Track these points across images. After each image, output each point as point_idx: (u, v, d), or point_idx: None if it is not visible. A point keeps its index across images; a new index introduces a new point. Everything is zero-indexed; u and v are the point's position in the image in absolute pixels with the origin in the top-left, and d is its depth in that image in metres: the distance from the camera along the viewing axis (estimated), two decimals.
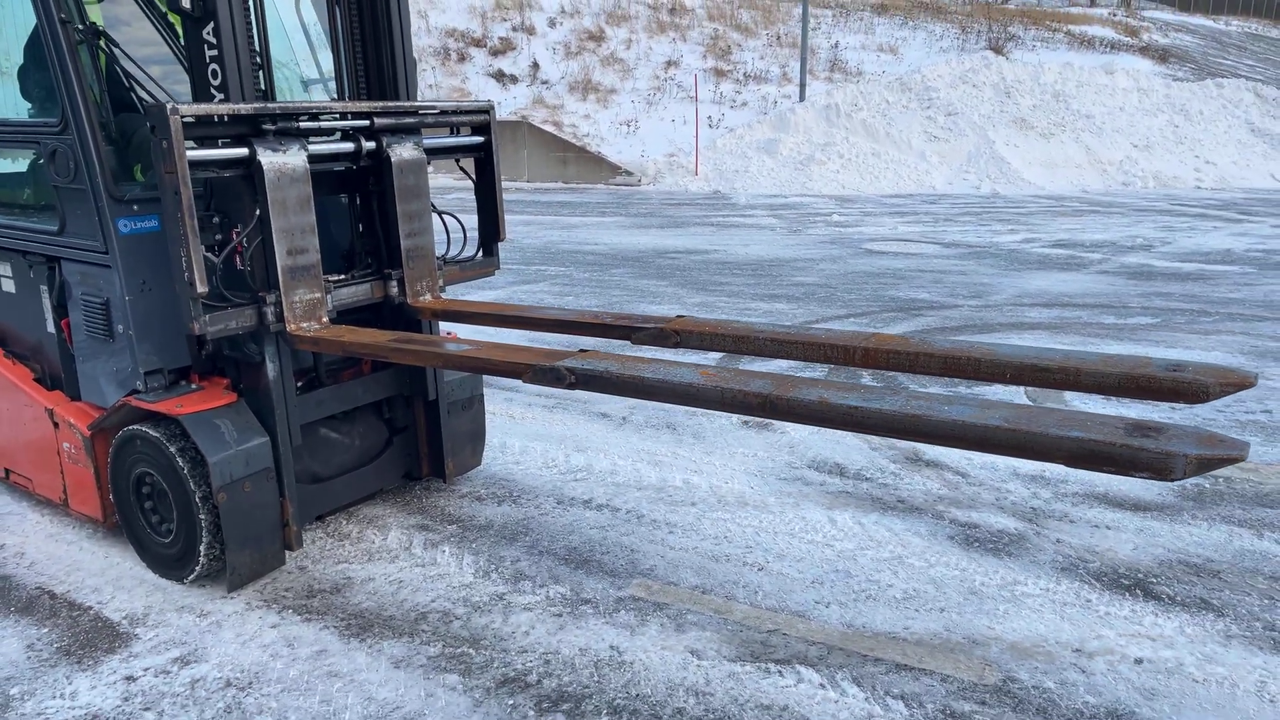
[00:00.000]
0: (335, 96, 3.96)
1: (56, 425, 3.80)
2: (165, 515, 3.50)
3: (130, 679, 2.94)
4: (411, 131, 3.74)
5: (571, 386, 2.70)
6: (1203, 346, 6.66)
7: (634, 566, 3.62)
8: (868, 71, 24.29)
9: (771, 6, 28.61)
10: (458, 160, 4.10)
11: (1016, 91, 22.65)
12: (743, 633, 3.16)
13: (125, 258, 3.35)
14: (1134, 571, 3.52)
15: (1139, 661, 2.96)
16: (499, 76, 24.45)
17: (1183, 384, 2.26)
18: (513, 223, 14.35)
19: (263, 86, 3.52)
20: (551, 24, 26.36)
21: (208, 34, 3.15)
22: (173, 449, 3.32)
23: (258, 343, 3.39)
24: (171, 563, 3.52)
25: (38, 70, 3.41)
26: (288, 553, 3.63)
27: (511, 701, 2.81)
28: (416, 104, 3.74)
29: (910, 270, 10.14)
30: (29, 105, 3.64)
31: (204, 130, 3.09)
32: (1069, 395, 5.34)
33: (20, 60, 3.64)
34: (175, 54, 4.09)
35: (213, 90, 3.21)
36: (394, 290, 3.75)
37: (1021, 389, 5.51)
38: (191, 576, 3.46)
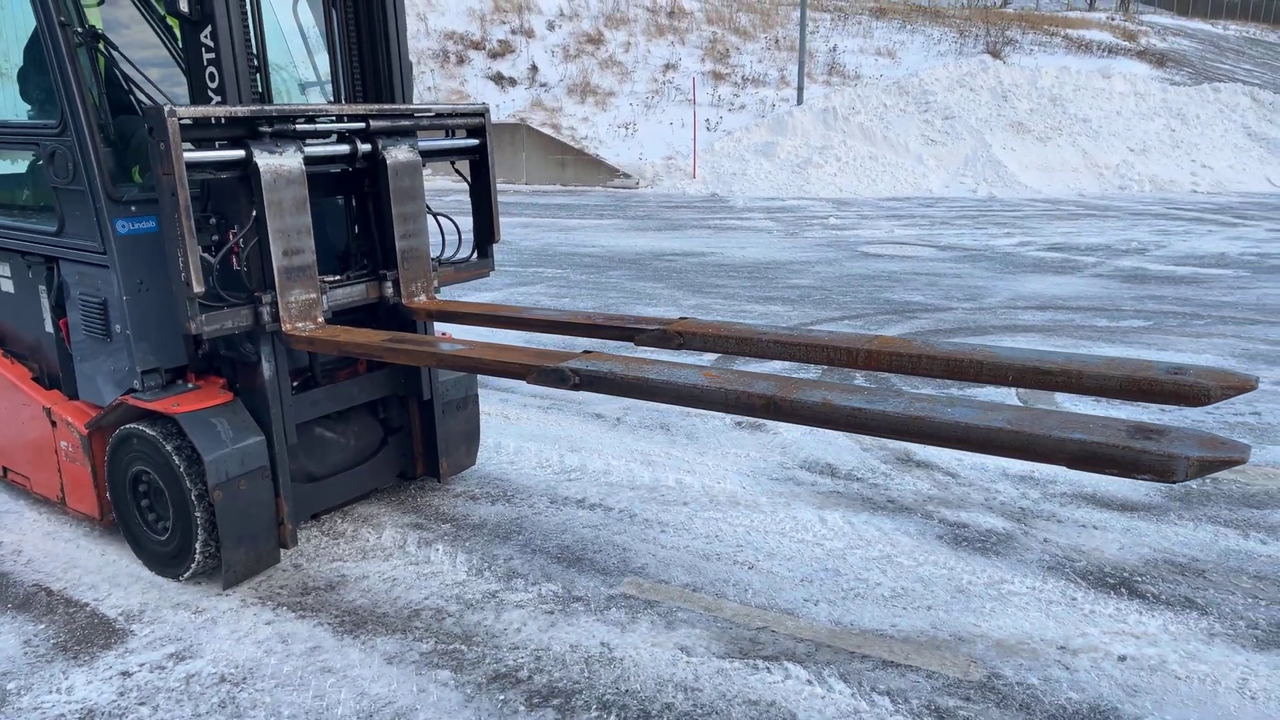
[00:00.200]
0: (332, 99, 3.99)
1: (54, 424, 3.84)
2: (161, 513, 3.53)
3: (126, 674, 2.98)
4: (407, 134, 3.77)
5: (576, 388, 2.72)
6: (1194, 349, 6.70)
7: (626, 565, 3.65)
8: (865, 75, 24.35)
9: (770, 10, 28.68)
10: (453, 162, 4.14)
11: (1013, 95, 22.72)
12: (732, 630, 3.19)
13: (123, 258, 3.38)
14: (1120, 570, 3.56)
15: (1122, 659, 3.00)
16: (498, 79, 24.50)
17: (1184, 387, 2.29)
18: (511, 225, 14.39)
19: (260, 89, 3.55)
20: (550, 27, 26.43)
21: (205, 37, 3.19)
22: (169, 447, 3.36)
23: (254, 342, 3.42)
24: (168, 560, 3.56)
25: (37, 73, 3.45)
26: (283, 550, 3.66)
27: (503, 697, 2.84)
28: (412, 107, 3.78)
29: (905, 273, 10.18)
30: (29, 107, 3.68)
31: (201, 132, 3.13)
32: (1059, 396, 5.38)
33: (20, 63, 3.68)
34: (174, 57, 4.13)
35: (210, 93, 3.25)
36: (389, 291, 3.79)
37: (1011, 391, 5.56)
38: (187, 574, 3.49)
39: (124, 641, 3.17)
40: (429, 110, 3.84)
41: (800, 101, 22.09)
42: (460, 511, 4.16)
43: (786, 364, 6.21)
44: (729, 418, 5.30)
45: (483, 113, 4.02)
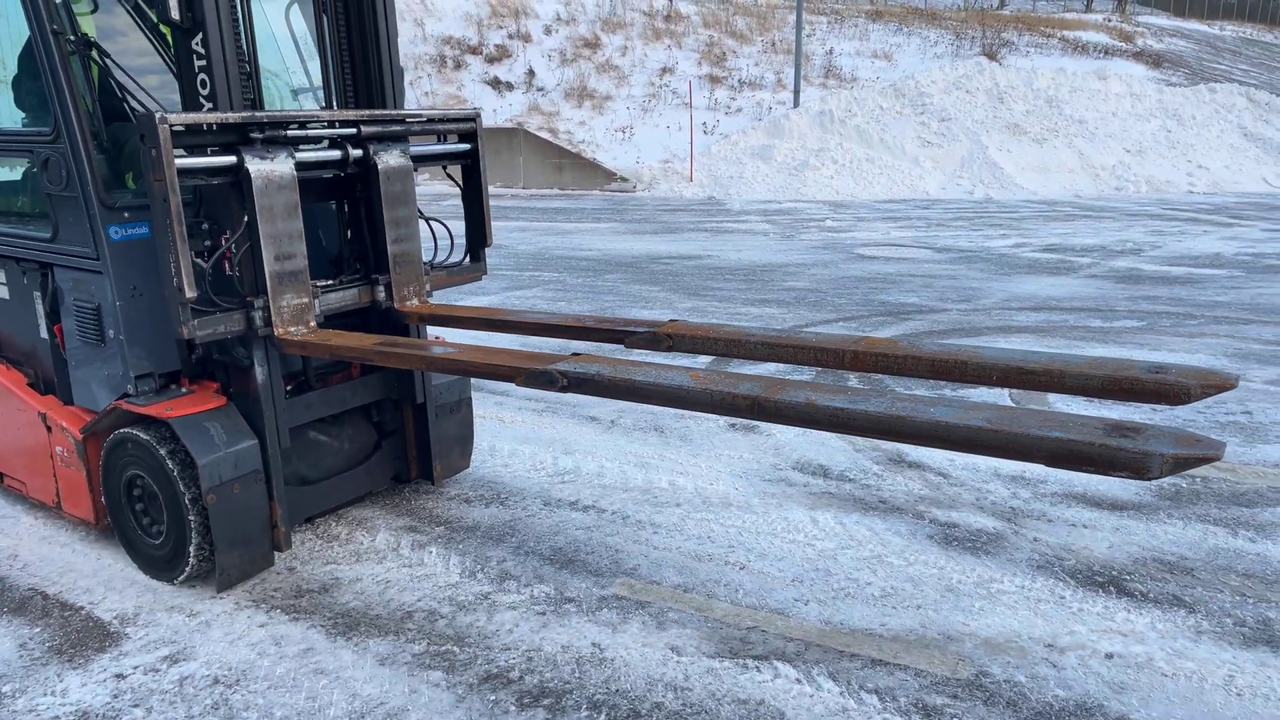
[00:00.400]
0: (324, 105, 4.02)
1: (49, 429, 3.86)
2: (156, 517, 3.55)
3: (120, 677, 3.00)
4: (398, 139, 3.80)
5: (564, 390, 2.75)
6: (1186, 349, 6.73)
7: (618, 566, 3.67)
8: (862, 77, 24.40)
9: (766, 13, 28.74)
10: (445, 167, 4.17)
11: (1010, 97, 22.77)
12: (722, 630, 3.21)
13: (116, 264, 3.41)
14: (1109, 569, 3.58)
15: (1110, 656, 3.02)
16: (495, 84, 24.55)
17: (1165, 386, 2.31)
18: (508, 229, 14.43)
19: (251, 95, 3.58)
20: (547, 31, 26.48)
21: (196, 44, 3.22)
22: (163, 451, 3.38)
23: (246, 347, 3.45)
24: (162, 564, 3.58)
25: (31, 80, 3.47)
26: (276, 554, 3.68)
27: (494, 697, 2.86)
28: (403, 112, 3.81)
29: (901, 275, 10.21)
30: (23, 114, 3.71)
31: (193, 139, 3.16)
32: (1051, 397, 5.41)
33: (15, 71, 3.71)
34: (167, 64, 4.16)
35: (202, 99, 3.27)
36: (381, 295, 3.82)
37: (1004, 392, 5.58)
38: (181, 577, 3.51)
39: (118, 644, 3.19)
40: (420, 115, 3.87)
41: (797, 104, 22.13)
42: (454, 514, 4.18)
43: (781, 366, 6.24)
44: (723, 420, 5.32)
45: (474, 118, 4.05)
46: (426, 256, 4.02)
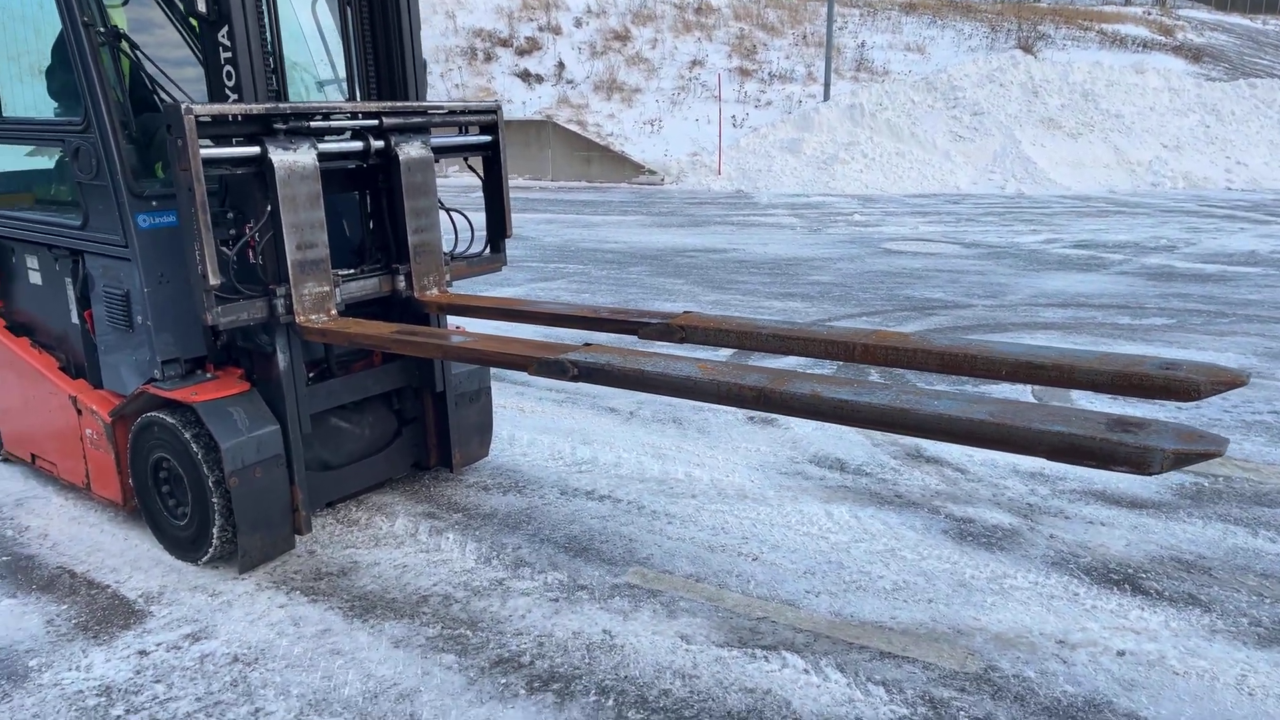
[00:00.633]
0: (348, 98, 4.08)
1: (80, 412, 3.96)
2: (181, 499, 3.64)
3: (143, 653, 3.08)
4: (420, 131, 3.85)
5: (575, 379, 2.79)
6: (1216, 347, 6.63)
7: (631, 555, 3.71)
8: (894, 71, 24.19)
9: (798, 6, 28.56)
10: (465, 159, 4.21)
11: (1044, 91, 22.45)
12: (733, 619, 3.24)
13: (144, 251, 3.49)
14: (1124, 567, 3.56)
15: (1121, 654, 3.01)
16: (525, 76, 24.63)
17: (1174, 382, 2.30)
18: (534, 221, 14.50)
19: (276, 87, 3.64)
20: (578, 24, 26.51)
21: (222, 37, 3.28)
22: (188, 435, 3.46)
23: (269, 334, 3.52)
24: (186, 545, 3.66)
25: (63, 71, 3.56)
26: (297, 537, 3.75)
27: (504, 680, 2.91)
28: (425, 104, 3.86)
29: (927, 270, 10.14)
30: (55, 104, 3.80)
31: (219, 129, 3.22)
32: (1074, 394, 5.36)
33: (48, 62, 3.80)
34: (197, 56, 4.23)
35: (228, 91, 3.34)
36: (401, 285, 3.87)
37: (1027, 389, 5.55)
38: (205, 558, 3.60)
39: (142, 622, 3.27)
40: (441, 108, 3.92)
41: (827, 98, 21.99)
42: (472, 501, 4.23)
43: (802, 360, 6.23)
44: (741, 413, 5.34)
45: (494, 110, 4.09)
46: (447, 247, 4.08)
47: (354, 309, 3.80)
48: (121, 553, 3.80)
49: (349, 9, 3.88)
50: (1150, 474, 1.78)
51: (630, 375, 2.52)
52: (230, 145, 3.26)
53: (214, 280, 3.16)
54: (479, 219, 4.13)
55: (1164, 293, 8.78)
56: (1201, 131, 21.81)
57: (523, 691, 2.86)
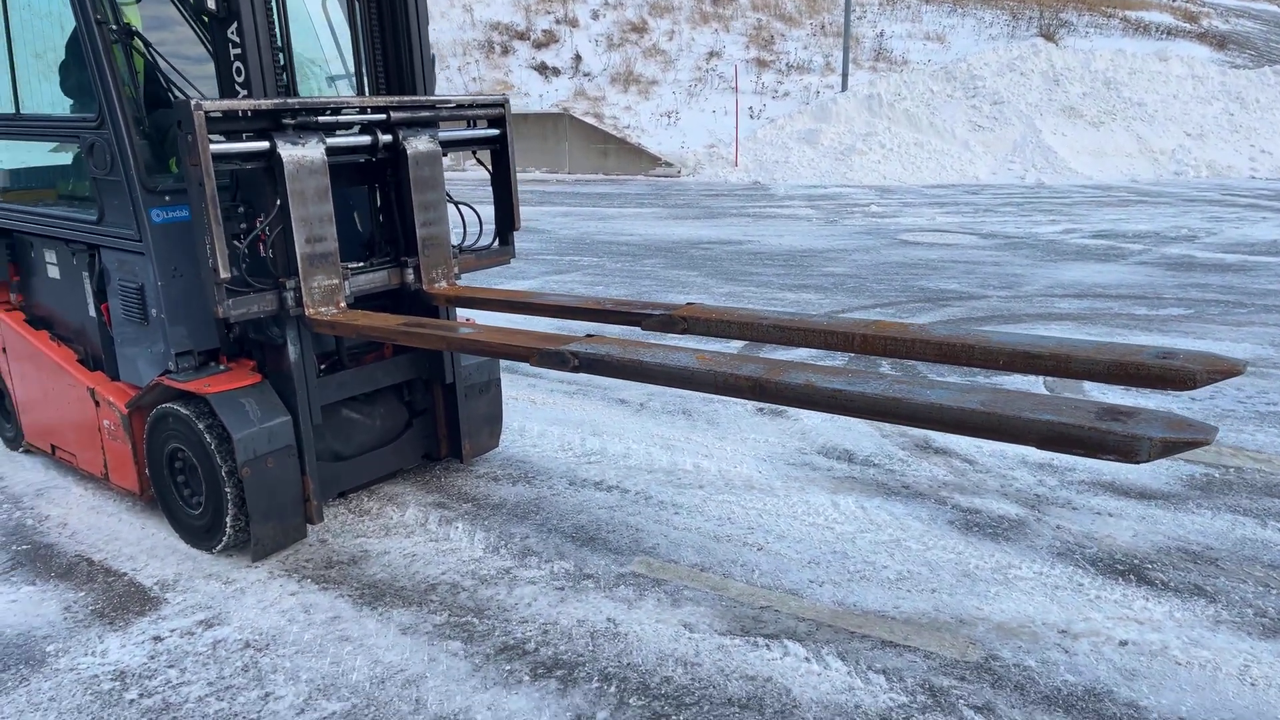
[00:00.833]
0: (357, 92, 4.12)
1: (98, 404, 4.04)
2: (195, 489, 3.71)
3: (157, 639, 3.15)
4: (428, 125, 3.89)
5: (576, 369, 2.83)
6: (1233, 338, 6.58)
7: (637, 545, 3.74)
8: (914, 60, 24.01)
9: None
10: (474, 152, 4.25)
11: (1066, 79, 22.22)
12: (736, 608, 3.27)
13: (158, 246, 3.55)
14: (1130, 557, 3.55)
15: (1124, 644, 3.01)
16: (541, 69, 24.65)
17: (1170, 371, 2.31)
18: (551, 214, 14.54)
19: (285, 83, 3.69)
20: (595, 16, 26.49)
21: (232, 33, 3.33)
22: (201, 426, 3.53)
23: (280, 326, 3.57)
24: (201, 533, 3.74)
25: (77, 68, 3.62)
26: (309, 526, 3.82)
27: (509, 667, 2.95)
28: (433, 98, 3.89)
29: (943, 261, 10.10)
30: (71, 101, 3.87)
31: (229, 125, 3.28)
32: (1088, 386, 5.34)
33: (63, 59, 3.87)
34: (209, 52, 4.29)
35: (237, 87, 3.39)
36: (410, 277, 3.92)
37: (1039, 380, 5.53)
38: (219, 546, 3.66)
39: (157, 609, 3.35)
40: (449, 101, 3.95)
41: (845, 88, 21.87)
42: (481, 492, 4.28)
43: (813, 352, 6.24)
44: (750, 405, 5.35)
45: (502, 103, 4.12)
46: (455, 240, 4.12)
47: (364, 302, 3.85)
48: (138, 541, 3.88)
49: (357, 3, 3.92)
50: (1138, 462, 1.79)
51: (629, 365, 2.55)
52: (240, 140, 3.31)
53: (224, 273, 3.22)
54: (489, 212, 4.16)
55: (1182, 283, 8.70)
56: (1226, 119, 21.52)
57: (526, 678, 2.90)
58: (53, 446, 4.52)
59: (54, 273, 4.25)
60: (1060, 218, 13.57)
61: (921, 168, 19.36)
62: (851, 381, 2.20)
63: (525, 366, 5.87)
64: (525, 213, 14.39)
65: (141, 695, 2.85)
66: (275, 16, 3.50)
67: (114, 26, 3.42)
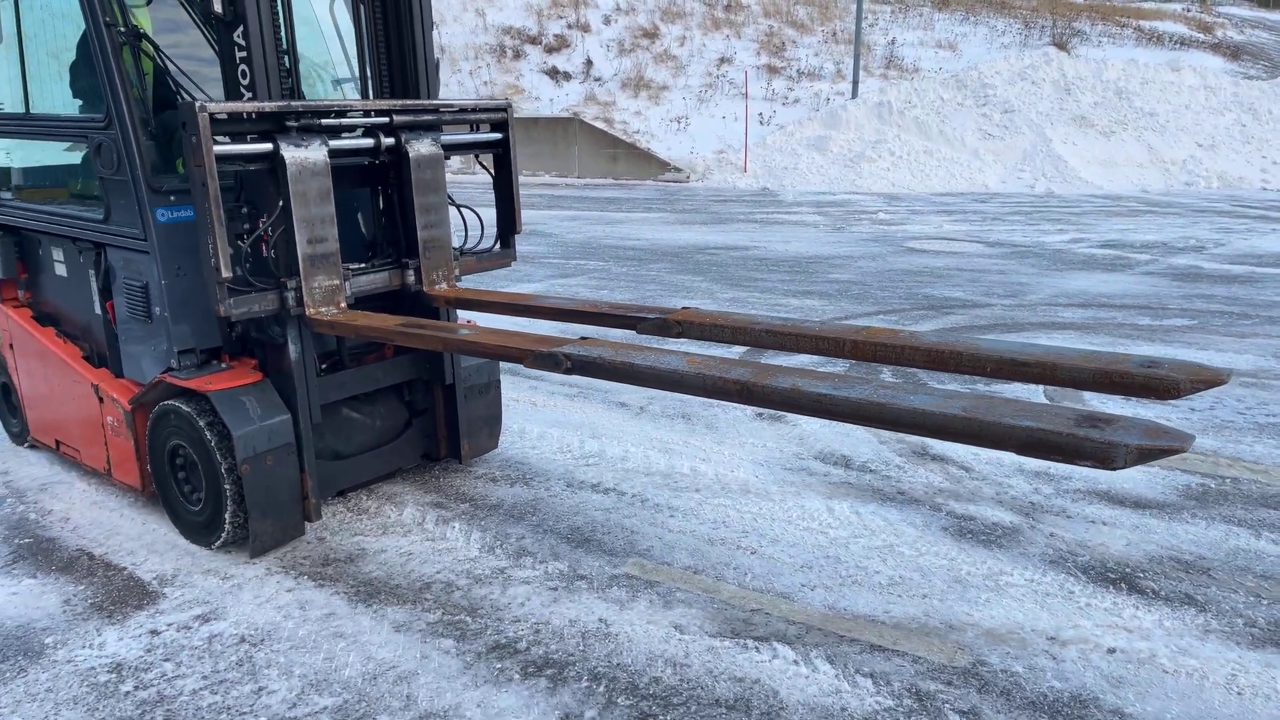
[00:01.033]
0: (362, 95, 4.17)
1: (101, 400, 4.09)
2: (196, 485, 3.75)
3: (154, 633, 3.19)
4: (430, 128, 3.94)
5: (568, 371, 2.86)
6: (1236, 349, 6.57)
7: (632, 546, 3.77)
8: (925, 68, 24.01)
9: (829, 3, 28.43)
10: (476, 156, 4.29)
11: (1077, 88, 22.18)
12: (727, 611, 3.29)
13: (162, 245, 3.60)
14: (1122, 566, 3.56)
15: (1112, 651, 3.02)
16: (553, 74, 24.75)
17: (1155, 380, 2.33)
18: (559, 218, 14.60)
19: (290, 86, 3.73)
20: (606, 21, 26.58)
21: (238, 37, 3.38)
22: (202, 423, 3.57)
23: (281, 325, 3.62)
24: (201, 529, 3.78)
25: (86, 70, 3.68)
26: (307, 524, 3.86)
27: (499, 665, 2.98)
28: (436, 102, 3.94)
29: (949, 269, 10.10)
30: (80, 101, 3.93)
31: (233, 127, 3.33)
32: (1088, 395, 5.34)
33: (73, 60, 3.93)
34: (217, 54, 4.35)
35: (243, 89, 3.44)
36: (411, 279, 3.96)
37: (1039, 389, 5.54)
38: (218, 542, 3.71)
39: (155, 603, 3.39)
40: (452, 105, 4.00)
41: (855, 95, 21.89)
42: (479, 492, 4.32)
43: (815, 358, 6.26)
44: (750, 409, 5.38)
45: (505, 108, 4.17)
46: (456, 242, 4.16)
47: (366, 302, 3.89)
48: (139, 536, 3.93)
49: (362, 8, 3.97)
50: (1115, 469, 1.81)
51: (620, 368, 2.58)
52: (245, 142, 3.36)
53: (226, 273, 3.27)
54: (491, 215, 4.20)
55: (1188, 294, 8.69)
56: (1238, 130, 21.44)
57: (517, 676, 2.93)
58: (57, 442, 4.58)
59: (61, 270, 4.30)
60: (1068, 227, 13.55)
61: (931, 175, 19.35)
62: (837, 386, 2.22)
63: (525, 368, 5.93)
64: (533, 216, 14.50)
65: (137, 688, 2.89)
66: (281, 20, 3.55)
67: (122, 29, 3.48)
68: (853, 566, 3.60)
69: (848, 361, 6.04)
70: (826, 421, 5.06)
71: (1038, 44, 25.16)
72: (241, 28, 3.35)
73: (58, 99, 4.03)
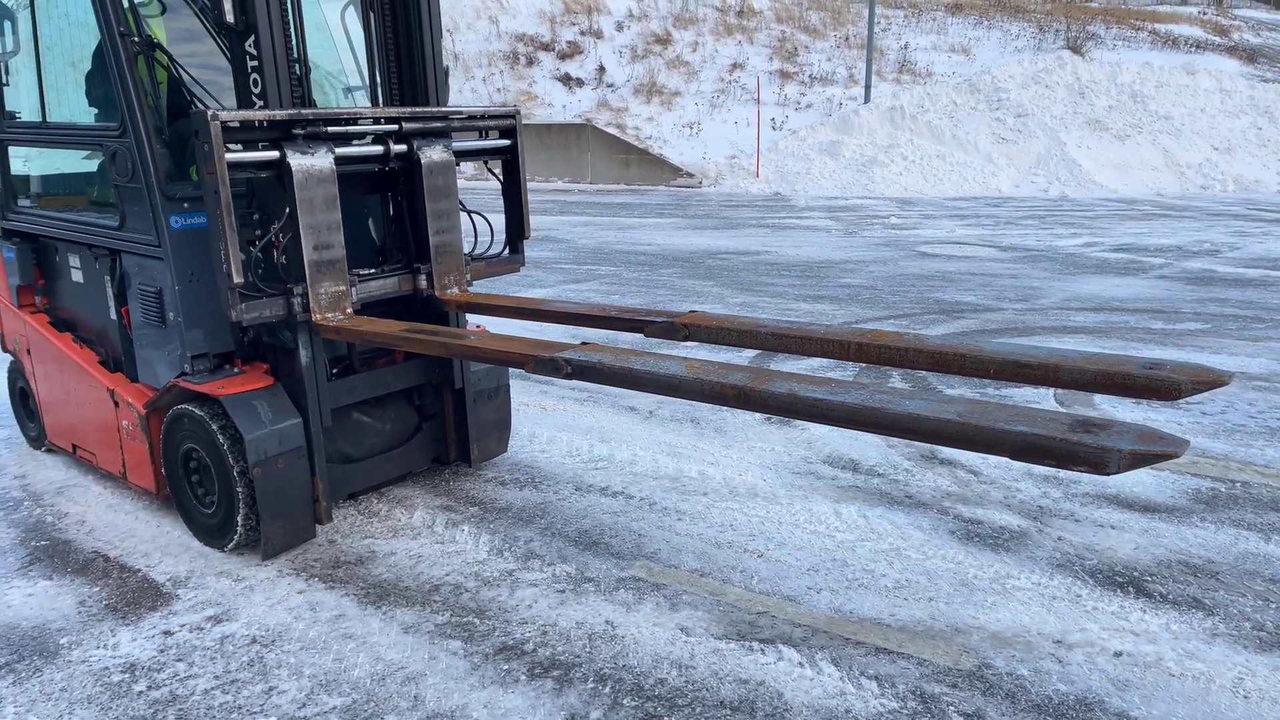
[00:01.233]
0: (372, 103, 4.22)
1: (117, 405, 4.15)
2: (209, 488, 3.80)
3: (168, 633, 3.24)
4: (440, 135, 3.98)
5: (569, 376, 2.89)
6: (1248, 353, 6.53)
7: (639, 549, 3.79)
8: (938, 72, 23.98)
9: (841, 8, 28.44)
10: (485, 162, 4.33)
11: (1091, 92, 22.09)
12: (733, 613, 3.30)
13: (176, 251, 3.66)
14: (1130, 570, 3.56)
15: (1118, 655, 3.02)
16: (565, 80, 24.85)
17: (1156, 381, 2.34)
18: (571, 223, 14.65)
19: (300, 94, 3.78)
20: (619, 28, 26.68)
21: (249, 46, 3.43)
22: (215, 427, 3.62)
23: (291, 330, 3.66)
24: (213, 532, 3.83)
25: (101, 79, 3.74)
26: (318, 526, 3.90)
27: (507, 666, 3.01)
28: (445, 109, 3.98)
29: (961, 273, 10.08)
30: (95, 110, 3.99)
31: (245, 134, 3.38)
32: (1097, 398, 5.33)
33: (88, 69, 3.99)
34: (230, 64, 4.41)
35: (254, 97, 3.49)
36: (422, 284, 4.00)
37: (1049, 393, 5.53)
38: (230, 545, 3.75)
39: (169, 604, 3.43)
40: (461, 112, 4.04)
41: (868, 100, 21.88)
42: (489, 495, 4.35)
43: (825, 362, 6.27)
44: (759, 415, 5.39)
45: (513, 115, 4.21)
46: (466, 248, 4.20)
47: (378, 307, 3.93)
48: (153, 539, 3.98)
49: (372, 17, 4.02)
50: (1108, 473, 1.82)
51: (620, 373, 2.61)
52: (256, 150, 3.41)
53: (237, 278, 3.32)
54: (502, 221, 4.24)
55: (1201, 297, 8.64)
56: (1254, 134, 21.30)
57: (524, 677, 2.95)
58: (74, 446, 4.64)
59: (77, 277, 4.37)
60: (1082, 231, 13.50)
61: (943, 180, 19.31)
62: (833, 391, 2.24)
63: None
64: (546, 222, 14.56)
65: (150, 687, 2.94)
66: (292, 29, 3.61)
67: (137, 39, 3.54)
68: (859, 570, 3.60)
69: (858, 366, 6.05)
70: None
71: (1052, 48, 25.08)
72: (253, 37, 3.40)
73: (74, 108, 4.10)
